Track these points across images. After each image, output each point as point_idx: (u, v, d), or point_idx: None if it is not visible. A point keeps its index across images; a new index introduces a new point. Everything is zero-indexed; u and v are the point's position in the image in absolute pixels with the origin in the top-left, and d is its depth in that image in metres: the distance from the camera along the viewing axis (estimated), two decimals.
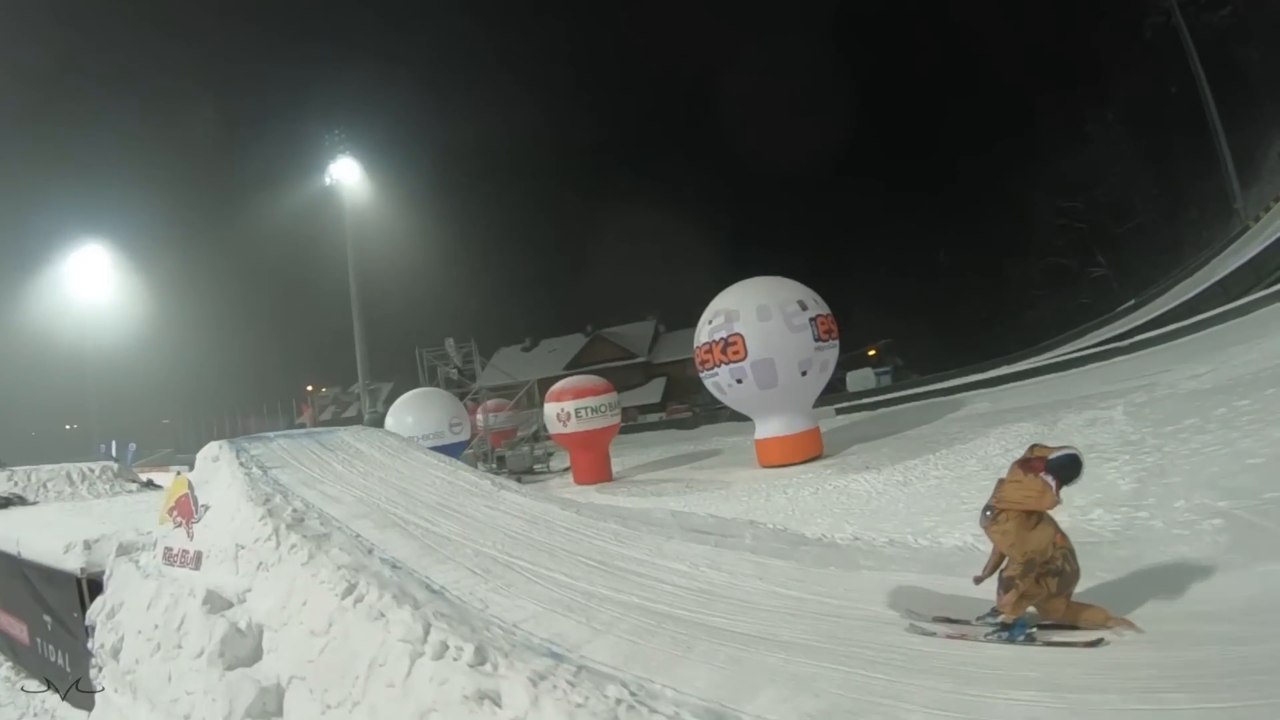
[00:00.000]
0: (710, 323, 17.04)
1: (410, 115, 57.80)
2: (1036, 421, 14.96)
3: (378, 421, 41.40)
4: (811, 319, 16.72)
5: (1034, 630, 5.34)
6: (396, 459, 9.47)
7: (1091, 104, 46.07)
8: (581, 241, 55.64)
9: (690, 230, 52.25)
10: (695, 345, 17.57)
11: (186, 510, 7.21)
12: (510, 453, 22.83)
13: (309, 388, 55.64)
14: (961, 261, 50.73)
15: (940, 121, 51.57)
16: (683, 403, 44.50)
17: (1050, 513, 5.32)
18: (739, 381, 16.56)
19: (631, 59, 62.37)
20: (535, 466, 22.80)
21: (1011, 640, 5.32)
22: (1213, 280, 26.81)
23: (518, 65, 62.53)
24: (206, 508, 7.18)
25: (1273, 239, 26.17)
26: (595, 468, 18.89)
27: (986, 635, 5.39)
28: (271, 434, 9.94)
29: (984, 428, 15.58)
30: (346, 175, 36.64)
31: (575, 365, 48.39)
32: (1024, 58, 47.18)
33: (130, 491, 17.02)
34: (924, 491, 10.98)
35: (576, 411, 18.41)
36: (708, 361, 17.00)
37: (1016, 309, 46.02)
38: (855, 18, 53.63)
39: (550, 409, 18.90)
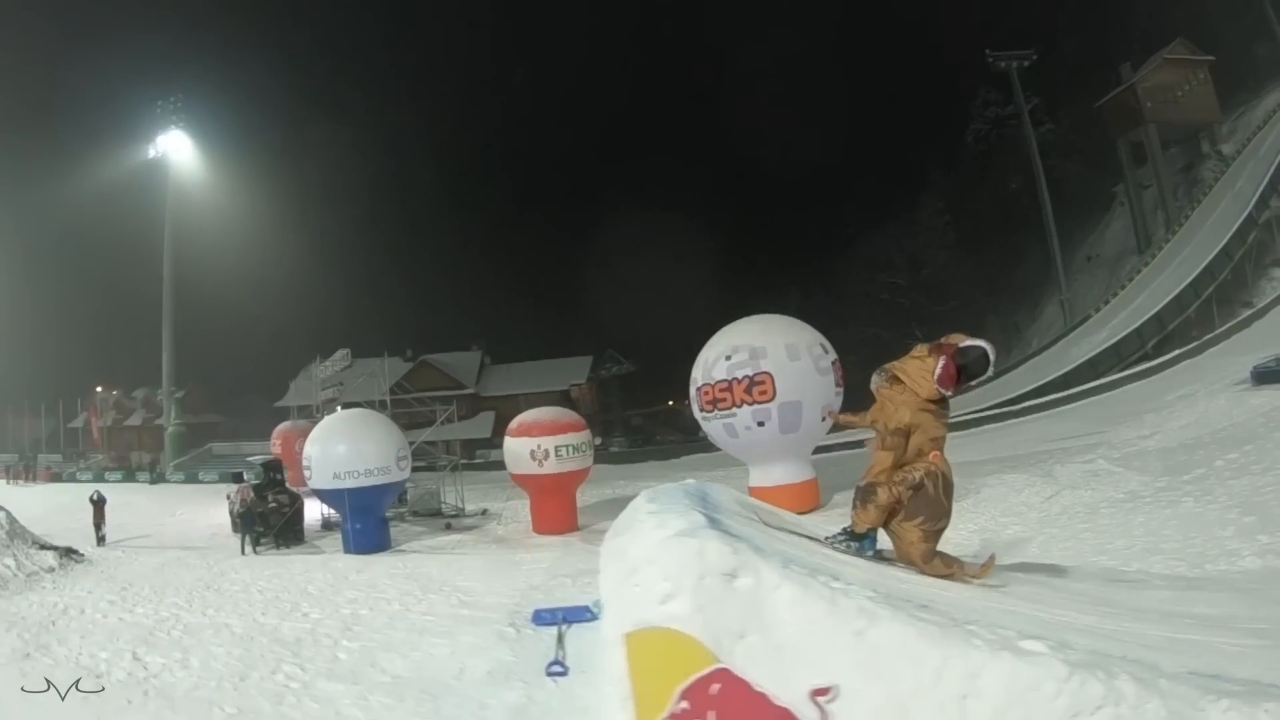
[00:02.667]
0: (729, 359, 15.33)
1: (267, 95, 49.56)
2: (1030, 473, 15.24)
3: (184, 436, 35.21)
4: (833, 363, 15.67)
5: (882, 550, 5.45)
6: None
7: (923, 194, 50.79)
8: (411, 259, 50.98)
9: (520, 262, 50.13)
10: (701, 383, 15.67)
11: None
12: (415, 489, 19.16)
13: (98, 389, 45.07)
14: None
15: (768, 196, 53.76)
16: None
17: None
18: (760, 424, 15.03)
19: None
20: (443, 508, 19.39)
21: (862, 553, 5.40)
22: (1079, 360, 29.42)
23: (391, 67, 55.82)
24: None
25: (1127, 329, 29.49)
26: (562, 515, 16.30)
27: (834, 545, 5.42)
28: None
29: (972, 478, 15.16)
30: (176, 150, 30.45)
31: (402, 392, 44.05)
32: (856, 146, 50.84)
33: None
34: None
35: (556, 450, 15.62)
36: (724, 400, 15.22)
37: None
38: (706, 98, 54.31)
39: (519, 445, 15.91)
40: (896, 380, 5.45)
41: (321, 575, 11.93)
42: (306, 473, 15.39)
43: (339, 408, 20.31)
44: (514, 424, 16.51)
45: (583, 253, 53.05)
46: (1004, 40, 42.27)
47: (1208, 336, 26.88)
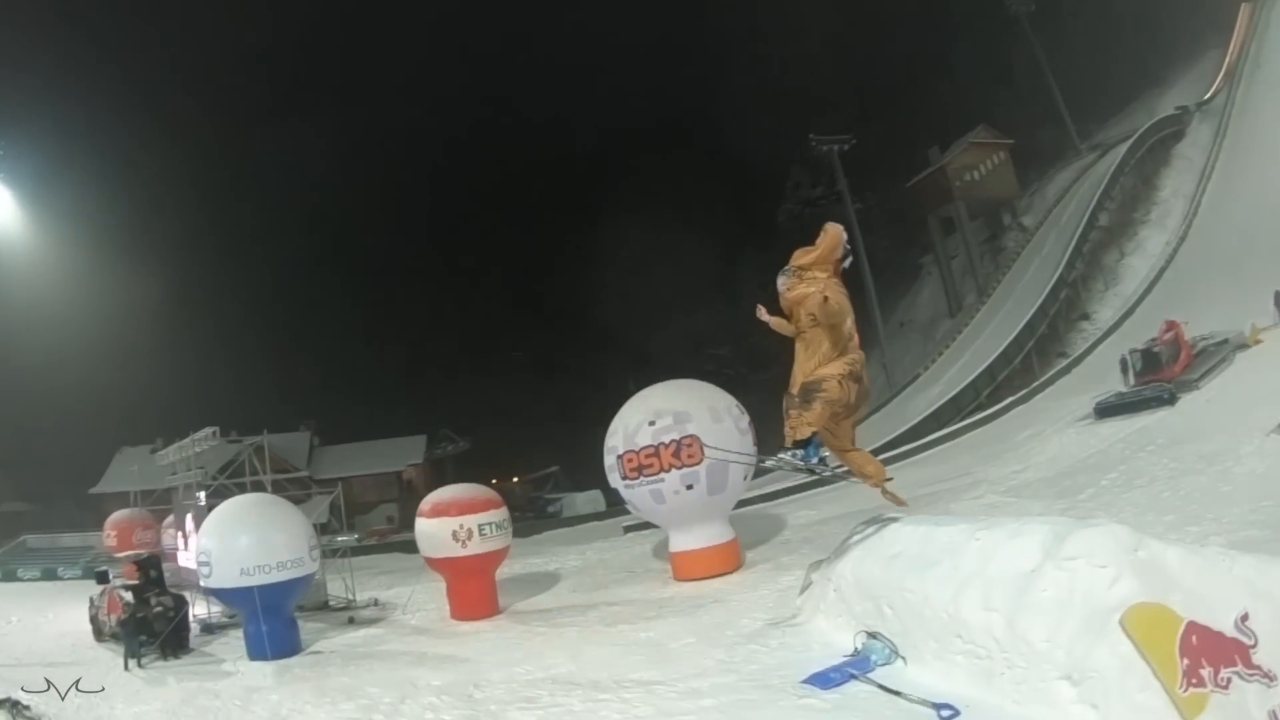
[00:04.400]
0: (652, 424, 15.16)
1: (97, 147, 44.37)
2: (931, 513, 15.83)
3: None
4: (749, 423, 15.99)
5: (827, 455, 5.64)
6: None
7: (742, 270, 53.84)
8: (230, 334, 47.28)
9: (346, 339, 48.14)
10: (624, 450, 15.44)
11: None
12: None
13: None
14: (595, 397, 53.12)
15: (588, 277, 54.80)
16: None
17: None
18: (689, 487, 14.86)
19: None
20: (331, 601, 17.83)
21: (807, 462, 5.52)
22: (924, 413, 31.73)
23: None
24: None
25: (962, 383, 32.23)
26: (483, 598, 15.20)
27: (781, 463, 5.67)
28: None
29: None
30: None
31: (236, 475, 40.48)
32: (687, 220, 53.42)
33: None
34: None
35: (480, 528, 14.71)
36: (651, 466, 15.00)
37: None
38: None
39: (436, 527, 14.81)
40: (800, 271, 5.76)
41: (238, 697, 10.46)
42: (203, 570, 13.56)
43: (202, 494, 18.37)
44: (426, 505, 15.41)
45: (408, 330, 51.86)
46: (816, 127, 45.98)
47: (1035, 384, 29.71)
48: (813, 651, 5.83)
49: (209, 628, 15.49)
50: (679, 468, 14.73)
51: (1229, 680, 4.06)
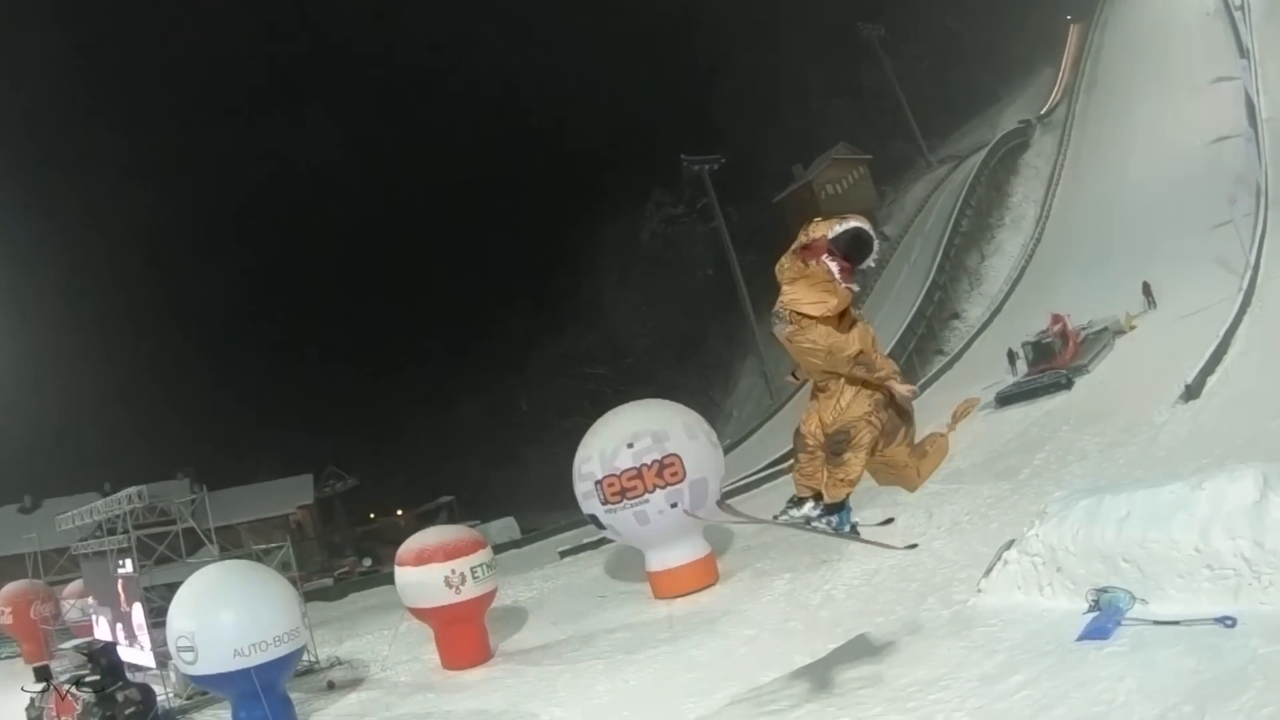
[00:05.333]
0: (631, 446, 15.37)
1: None
2: (879, 507, 17.06)
3: None
4: (717, 438, 16.57)
5: (857, 522, 5.13)
6: None
7: (613, 290, 55.01)
8: (93, 382, 43.41)
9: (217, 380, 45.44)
10: (603, 475, 15.53)
11: None
12: None
13: None
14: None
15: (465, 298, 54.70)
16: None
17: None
18: (674, 506, 15.11)
19: None
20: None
21: (839, 531, 4.99)
22: None
23: None
24: None
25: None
26: (475, 644, 14.78)
27: (807, 525, 5.03)
28: None
29: None
30: None
31: (112, 533, 36.98)
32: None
33: None
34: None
35: (473, 572, 14.33)
36: (634, 489, 15.18)
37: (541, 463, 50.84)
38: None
39: (425, 575, 14.26)
40: (800, 316, 4.66)
41: None
42: (186, 656, 12.34)
43: (128, 563, 16.58)
44: (407, 552, 14.81)
45: (284, 368, 49.64)
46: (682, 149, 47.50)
47: (921, 381, 32.01)
48: (1045, 619, 6.39)
49: (168, 716, 14.19)
50: (663, 487, 15.00)
51: None
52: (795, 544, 15.92)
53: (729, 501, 4.26)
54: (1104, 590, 6.25)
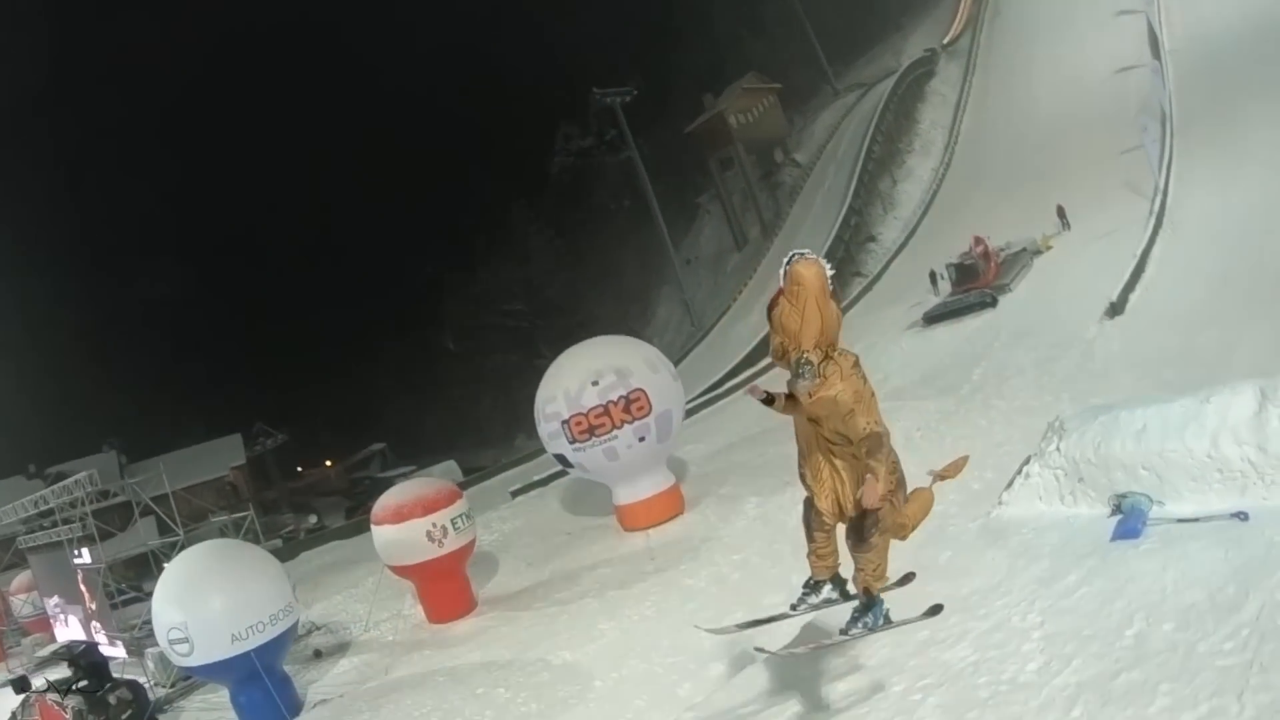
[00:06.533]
0: (596, 384, 15.38)
1: None
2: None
3: None
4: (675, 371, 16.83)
5: (888, 609, 4.83)
6: None
7: (528, 225, 54.34)
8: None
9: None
10: (569, 414, 15.49)
11: None
12: None
13: None
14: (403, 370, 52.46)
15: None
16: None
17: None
18: (641, 440, 15.37)
19: None
20: None
21: (874, 629, 4.79)
22: (751, 344, 33.68)
23: None
24: None
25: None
26: (460, 595, 14.69)
27: (854, 635, 4.85)
28: None
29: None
30: None
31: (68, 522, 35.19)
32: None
33: None
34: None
35: (454, 523, 14.15)
36: (603, 426, 15.26)
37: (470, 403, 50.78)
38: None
39: (405, 532, 13.89)
40: (819, 362, 4.36)
41: None
42: (180, 648, 11.71)
43: (85, 552, 15.87)
44: (384, 511, 14.47)
45: (201, 329, 47.48)
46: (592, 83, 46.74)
47: (845, 303, 33.04)
48: (1073, 525, 6.97)
49: (157, 707, 13.40)
50: (630, 422, 15.17)
51: None
52: (755, 468, 16.45)
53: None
54: (1124, 496, 6.86)
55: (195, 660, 11.93)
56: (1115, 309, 17.14)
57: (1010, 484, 8.01)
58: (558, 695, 9.75)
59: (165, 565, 13.45)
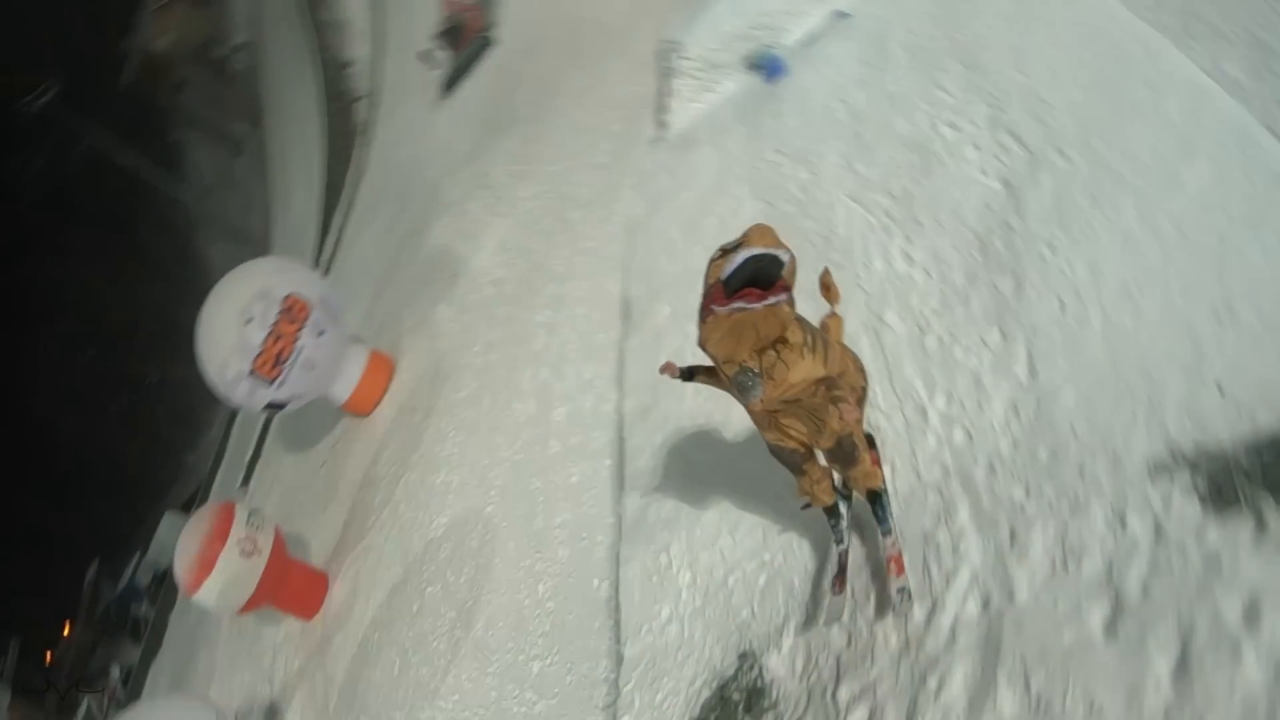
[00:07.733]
0: (251, 320, 14.63)
1: None
2: None
3: None
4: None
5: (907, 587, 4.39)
6: None
7: None
8: None
9: None
10: (249, 364, 14.74)
11: None
12: None
13: None
14: None
15: None
16: None
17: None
18: (322, 333, 15.31)
19: None
20: None
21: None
22: None
23: None
24: None
25: None
26: (311, 580, 13.73)
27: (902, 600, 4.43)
28: None
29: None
30: None
31: None
32: None
33: None
34: None
35: (249, 523, 12.77)
36: (284, 348, 14.83)
37: None
38: None
39: (225, 567, 12.15)
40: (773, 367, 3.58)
41: None
42: None
43: None
44: (188, 573, 12.49)
45: None
46: None
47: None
48: (735, 99, 9.32)
49: None
50: (303, 325, 14.97)
51: None
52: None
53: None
54: (752, 54, 8.82)
55: None
56: None
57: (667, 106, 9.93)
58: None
59: None
